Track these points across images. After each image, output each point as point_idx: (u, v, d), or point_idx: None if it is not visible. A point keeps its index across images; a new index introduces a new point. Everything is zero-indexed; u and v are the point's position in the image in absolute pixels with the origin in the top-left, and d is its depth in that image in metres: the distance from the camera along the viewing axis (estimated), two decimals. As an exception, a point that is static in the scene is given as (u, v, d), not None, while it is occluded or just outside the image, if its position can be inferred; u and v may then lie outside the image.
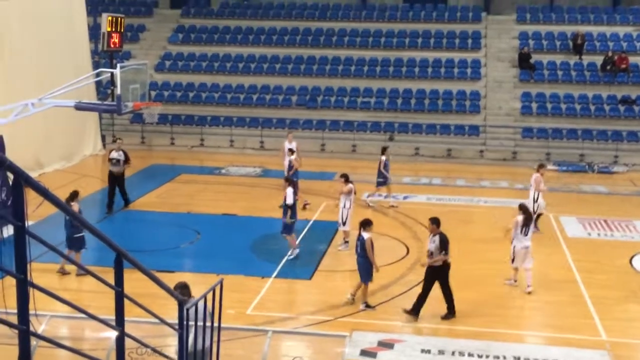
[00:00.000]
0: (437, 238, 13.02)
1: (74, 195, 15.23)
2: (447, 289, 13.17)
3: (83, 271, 14.40)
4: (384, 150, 21.62)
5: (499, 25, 35.93)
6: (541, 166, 19.53)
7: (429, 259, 13.13)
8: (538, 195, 18.61)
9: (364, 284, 13.51)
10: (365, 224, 13.47)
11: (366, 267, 13.39)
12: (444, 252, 12.92)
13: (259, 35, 36.05)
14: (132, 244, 15.99)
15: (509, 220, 15.91)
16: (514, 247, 14.76)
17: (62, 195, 16.42)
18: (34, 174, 23.16)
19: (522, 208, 15.03)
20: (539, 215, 18.69)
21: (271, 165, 24.46)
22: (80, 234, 14.86)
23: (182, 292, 8.98)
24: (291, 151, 21.39)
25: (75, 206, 14.91)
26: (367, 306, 13.50)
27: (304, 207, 20.47)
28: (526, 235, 14.57)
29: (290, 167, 21.16)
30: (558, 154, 28.92)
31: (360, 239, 13.39)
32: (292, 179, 17.21)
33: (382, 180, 21.36)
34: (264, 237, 18.19)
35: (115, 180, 20.50)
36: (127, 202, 20.79)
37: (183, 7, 38.50)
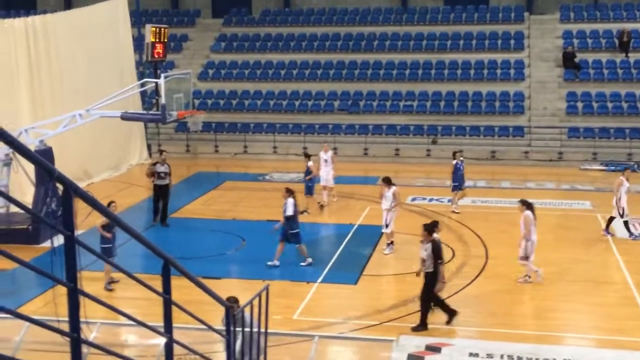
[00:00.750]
0: (429, 246, 12.55)
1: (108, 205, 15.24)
2: (427, 298, 12.67)
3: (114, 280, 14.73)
4: (454, 155, 21.33)
5: (542, 24, 35.50)
6: (626, 169, 19.25)
7: (422, 267, 12.76)
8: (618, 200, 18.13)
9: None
10: (432, 227, 13.13)
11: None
12: (439, 261, 12.49)
13: (300, 42, 36.23)
14: (178, 251, 16.19)
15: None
16: (532, 242, 14.69)
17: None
18: (82, 184, 23.59)
19: (525, 203, 15.08)
20: (611, 219, 18.39)
21: (315, 171, 24.49)
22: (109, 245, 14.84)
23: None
24: (324, 161, 21.67)
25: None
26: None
27: (301, 213, 20.27)
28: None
29: (309, 172, 21.14)
30: (605, 153, 28.44)
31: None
32: (292, 190, 16.42)
33: (457, 185, 21.13)
34: (309, 243, 18.21)
35: (161, 193, 19.97)
36: (164, 219, 20.01)
37: (225, 16, 38.87)
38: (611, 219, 18.34)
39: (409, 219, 19.75)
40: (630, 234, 18.14)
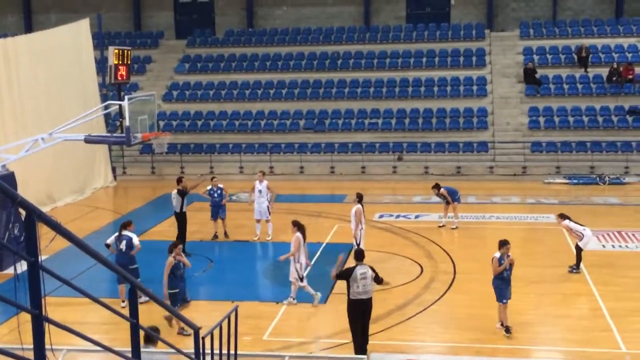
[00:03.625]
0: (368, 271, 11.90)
1: (126, 225, 15.18)
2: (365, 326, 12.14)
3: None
4: (438, 186, 21.17)
5: (502, 41, 36.03)
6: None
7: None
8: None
9: (499, 303, 13.16)
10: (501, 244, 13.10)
11: (497, 285, 13.09)
12: (384, 281, 12.23)
13: (264, 62, 36.29)
14: (146, 274, 15.97)
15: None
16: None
17: (74, 229, 16.52)
18: (46, 209, 23.28)
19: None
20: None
21: (281, 190, 24.49)
22: (135, 266, 14.74)
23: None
24: (259, 192, 20.09)
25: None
26: (505, 329, 13.08)
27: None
28: None
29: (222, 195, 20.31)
30: (568, 167, 28.86)
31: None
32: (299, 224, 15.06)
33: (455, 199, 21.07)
34: (277, 263, 18.15)
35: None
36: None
37: (188, 37, 38.81)
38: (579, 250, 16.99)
39: (377, 237, 19.82)
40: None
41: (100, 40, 29.87)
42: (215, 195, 20.33)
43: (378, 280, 12.05)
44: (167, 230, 21.64)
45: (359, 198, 17.62)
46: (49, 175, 24.75)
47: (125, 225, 15.15)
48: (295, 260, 14.80)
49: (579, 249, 16.73)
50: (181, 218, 19.23)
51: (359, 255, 12.13)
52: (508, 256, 13.05)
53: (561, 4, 37.18)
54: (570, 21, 36.54)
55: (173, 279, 13.38)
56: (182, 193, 19.08)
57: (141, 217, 21.19)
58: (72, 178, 26.59)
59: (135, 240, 14.86)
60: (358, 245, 16.99)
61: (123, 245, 14.79)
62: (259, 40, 37.81)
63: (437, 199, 21.89)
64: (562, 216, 16.99)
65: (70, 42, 27.14)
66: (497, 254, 13.08)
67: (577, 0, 37.15)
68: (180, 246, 13.96)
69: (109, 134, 22.35)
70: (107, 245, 15.12)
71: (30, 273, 3.88)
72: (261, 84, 34.94)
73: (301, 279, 14.84)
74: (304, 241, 14.89)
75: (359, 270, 11.77)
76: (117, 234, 14.99)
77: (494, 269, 13.05)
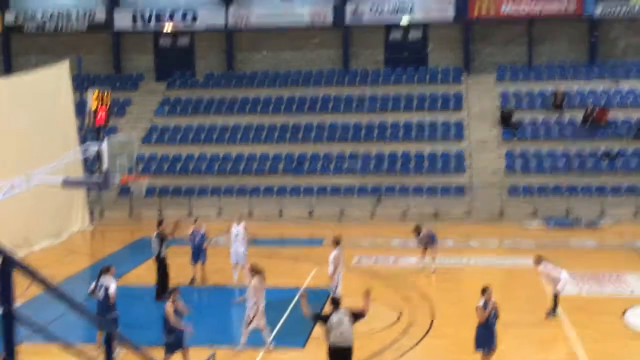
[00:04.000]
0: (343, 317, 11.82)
1: (105, 270, 14.96)
2: None
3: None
4: (418, 228, 21.36)
5: (479, 85, 36.55)
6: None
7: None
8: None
9: (481, 352, 13.00)
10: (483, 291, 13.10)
11: (480, 333, 13.00)
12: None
13: (244, 105, 36.50)
14: (122, 319, 15.81)
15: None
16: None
17: (50, 273, 16.38)
18: (22, 252, 23.05)
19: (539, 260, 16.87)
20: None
21: (260, 233, 24.45)
22: (114, 314, 14.55)
23: None
24: (234, 235, 19.98)
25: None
26: None
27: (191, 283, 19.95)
28: None
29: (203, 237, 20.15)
30: (545, 210, 29.09)
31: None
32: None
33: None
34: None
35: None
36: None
37: (168, 80, 39.00)
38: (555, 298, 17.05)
39: (355, 281, 19.77)
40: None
41: (80, 83, 29.88)
42: (197, 238, 20.17)
43: (359, 314, 11.86)
44: (144, 274, 21.47)
45: (336, 242, 17.55)
46: (26, 219, 24.53)
47: (104, 270, 14.94)
48: (252, 304, 14.60)
49: (555, 293, 16.81)
50: (159, 262, 19.09)
51: (335, 303, 12.06)
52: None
53: (536, 49, 37.86)
54: (546, 66, 37.19)
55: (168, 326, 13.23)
56: (161, 237, 18.95)
57: (118, 261, 20.99)
58: (49, 221, 26.36)
59: (112, 288, 14.56)
60: (335, 289, 16.94)
61: (101, 294, 14.59)
62: (238, 84, 38.07)
63: (415, 242, 21.94)
64: (538, 260, 17.01)
65: (50, 84, 27.17)
66: (481, 302, 13.10)
67: (552, 46, 37.86)
68: (178, 292, 13.72)
69: (87, 177, 22.27)
70: (91, 293, 14.85)
71: (4, 321, 3.85)
72: (240, 127, 35.09)
73: (249, 324, 14.59)
74: (263, 286, 14.72)
75: (335, 318, 11.69)
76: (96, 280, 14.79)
77: (479, 316, 13.04)
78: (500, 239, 26.13)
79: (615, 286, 19.48)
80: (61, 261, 23.39)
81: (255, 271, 14.81)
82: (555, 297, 16.82)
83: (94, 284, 14.86)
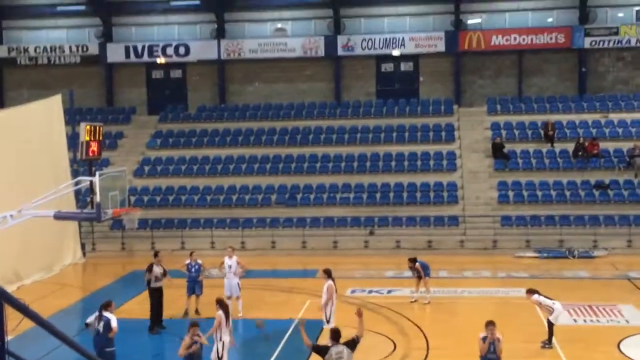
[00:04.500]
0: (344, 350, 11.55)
1: (107, 305, 14.83)
2: None
3: None
4: (413, 260, 21.20)
5: (470, 117, 36.77)
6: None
7: None
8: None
9: None
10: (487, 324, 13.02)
11: None
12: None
13: (236, 137, 36.59)
14: (118, 352, 15.65)
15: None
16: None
17: (42, 307, 16.26)
18: (13, 287, 22.88)
19: (532, 291, 16.81)
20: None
21: (253, 265, 24.37)
22: (112, 348, 14.39)
23: None
24: (228, 267, 19.84)
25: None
26: None
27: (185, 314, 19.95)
28: None
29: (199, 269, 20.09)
30: (538, 240, 29.10)
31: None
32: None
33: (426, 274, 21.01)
34: (250, 340, 17.94)
35: (159, 297, 19.20)
36: (160, 322, 19.34)
37: (161, 113, 39.11)
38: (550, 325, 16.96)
39: (349, 312, 19.63)
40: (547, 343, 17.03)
41: (72, 116, 29.95)
42: (193, 270, 20.09)
43: (355, 340, 11.78)
44: (137, 308, 21.30)
45: (328, 274, 17.38)
46: (17, 252, 24.35)
47: (106, 305, 14.82)
48: (217, 338, 14.45)
49: (550, 324, 16.75)
50: (151, 293, 18.98)
51: (335, 335, 11.90)
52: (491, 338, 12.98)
53: (526, 81, 38.20)
54: (536, 97, 37.49)
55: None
56: (149, 268, 18.91)
57: (111, 295, 20.77)
58: (40, 255, 26.19)
59: (114, 322, 14.41)
60: (328, 321, 16.81)
61: (101, 327, 14.45)
62: (230, 116, 38.20)
63: (409, 274, 21.89)
64: (531, 291, 17.00)
65: (42, 118, 27.18)
66: (482, 334, 13.04)
67: (542, 78, 38.22)
68: (197, 326, 13.58)
69: (79, 210, 22.18)
70: (87, 325, 14.71)
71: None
72: (233, 158, 35.13)
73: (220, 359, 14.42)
74: (227, 320, 14.47)
75: (334, 350, 11.58)
76: (97, 313, 14.63)
77: (479, 349, 12.99)
78: (493, 269, 26.10)
79: (610, 317, 19.42)
80: (53, 294, 23.19)
81: (220, 305, 14.59)
82: (550, 328, 16.75)
83: (92, 317, 14.70)
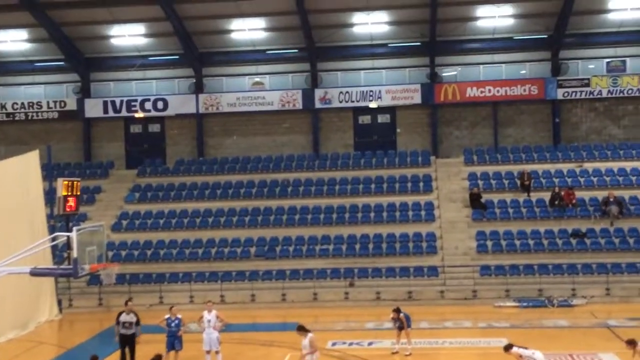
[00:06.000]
0: None
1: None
2: None
3: None
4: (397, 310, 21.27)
5: (447, 167, 37.12)
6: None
7: None
8: None
9: None
10: None
11: None
12: None
13: (215, 190, 36.59)
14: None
15: None
16: None
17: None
18: (-13, 345, 22.44)
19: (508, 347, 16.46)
20: None
21: (233, 319, 24.15)
22: None
23: None
24: (207, 322, 19.88)
25: None
26: None
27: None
28: None
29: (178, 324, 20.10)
30: (517, 289, 29.12)
31: None
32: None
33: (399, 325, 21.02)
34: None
35: (127, 343, 19.97)
36: None
37: (139, 167, 39.08)
38: None
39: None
40: None
41: (50, 172, 29.85)
42: (173, 325, 19.93)
43: None
44: (114, 364, 21.01)
45: (303, 329, 17.13)
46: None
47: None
48: None
49: None
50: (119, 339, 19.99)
51: None
52: None
53: (502, 132, 38.77)
54: (512, 148, 38.00)
55: None
56: (117, 318, 19.95)
57: (87, 352, 20.45)
58: (15, 312, 25.73)
59: None
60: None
61: None
62: (209, 169, 38.26)
63: (390, 325, 21.79)
64: (508, 347, 16.63)
65: (19, 173, 27.04)
66: None
67: (517, 128, 38.81)
68: None
69: (55, 266, 21.88)
70: None
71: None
72: (212, 212, 35.05)
73: None
74: None
75: None
76: None
77: None
78: (474, 319, 26.04)
79: (591, 365, 19.39)
80: (27, 352, 22.78)
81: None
82: None
83: None
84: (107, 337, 24.98)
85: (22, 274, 19.47)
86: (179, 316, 20.06)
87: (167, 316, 20.09)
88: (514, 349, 16.68)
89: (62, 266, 20.08)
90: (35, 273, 19.20)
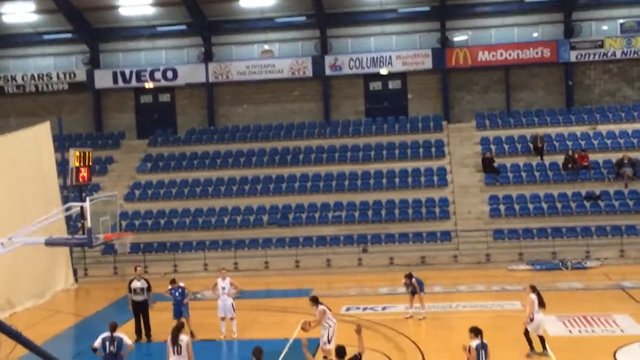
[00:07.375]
0: None
1: (115, 326, 14.79)
2: None
3: None
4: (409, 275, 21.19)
5: (460, 132, 36.91)
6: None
7: None
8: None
9: None
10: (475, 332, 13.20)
11: None
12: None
13: (226, 159, 36.59)
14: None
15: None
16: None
17: (35, 334, 16.15)
18: (4, 315, 22.69)
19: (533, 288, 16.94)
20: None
21: (246, 286, 24.27)
22: None
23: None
24: (222, 289, 19.96)
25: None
26: None
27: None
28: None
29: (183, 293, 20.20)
30: (530, 253, 29.12)
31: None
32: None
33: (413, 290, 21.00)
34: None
35: (140, 310, 20.25)
36: (149, 336, 20.27)
37: (150, 137, 39.09)
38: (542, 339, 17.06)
39: (345, 331, 19.56)
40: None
41: (61, 143, 29.86)
42: (177, 294, 20.07)
43: (357, 357, 11.75)
44: (130, 332, 21.14)
45: (314, 300, 17.06)
46: (8, 280, 24.21)
47: (114, 326, 14.77)
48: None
49: (527, 331, 16.77)
50: (132, 305, 20.34)
51: (340, 353, 11.78)
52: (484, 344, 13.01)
53: (514, 96, 38.44)
54: (524, 112, 37.69)
55: None
56: (129, 285, 20.37)
57: (103, 320, 20.63)
58: (31, 282, 26.01)
59: (128, 340, 14.53)
60: (329, 342, 16.55)
61: (114, 347, 14.36)
62: (220, 138, 38.22)
63: (403, 290, 21.83)
64: (533, 288, 16.98)
65: (31, 145, 27.10)
66: (473, 343, 13.01)
67: (529, 92, 38.46)
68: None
69: (70, 236, 22.04)
70: (94, 349, 14.57)
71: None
72: (224, 180, 35.09)
73: None
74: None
75: None
76: (105, 334, 14.53)
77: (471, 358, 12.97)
78: (487, 283, 26.08)
79: (605, 327, 19.41)
80: (45, 321, 23.02)
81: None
82: (526, 335, 16.82)
83: (99, 340, 14.53)
84: (122, 305, 25.14)
85: (38, 244, 19.60)
86: (182, 285, 20.30)
87: (169, 287, 20.28)
88: (533, 296, 16.79)
89: (76, 236, 20.27)
90: (50, 243, 19.29)
